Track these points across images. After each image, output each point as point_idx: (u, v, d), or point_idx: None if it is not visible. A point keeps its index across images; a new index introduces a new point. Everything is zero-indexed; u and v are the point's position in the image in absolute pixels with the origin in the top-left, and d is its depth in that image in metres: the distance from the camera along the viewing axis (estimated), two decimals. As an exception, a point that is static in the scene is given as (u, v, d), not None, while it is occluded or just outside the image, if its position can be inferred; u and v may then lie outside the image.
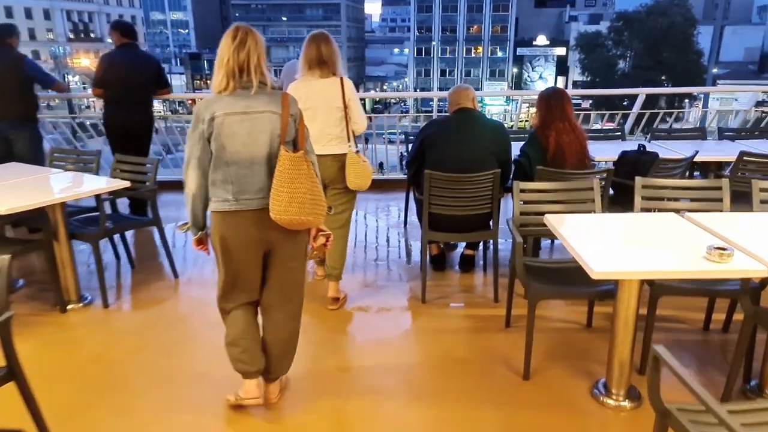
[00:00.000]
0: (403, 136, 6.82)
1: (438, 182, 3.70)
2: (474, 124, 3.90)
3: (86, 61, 77.21)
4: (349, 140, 3.58)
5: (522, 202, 3.40)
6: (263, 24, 68.84)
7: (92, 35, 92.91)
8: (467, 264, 4.45)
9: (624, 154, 4.40)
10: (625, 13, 37.50)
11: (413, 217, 5.18)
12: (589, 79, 40.40)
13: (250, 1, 69.32)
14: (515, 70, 62.22)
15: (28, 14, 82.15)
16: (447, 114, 3.93)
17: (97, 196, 3.82)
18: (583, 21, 60.00)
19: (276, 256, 2.49)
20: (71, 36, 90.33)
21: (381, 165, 37.36)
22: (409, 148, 4.65)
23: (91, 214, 4.28)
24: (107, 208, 4.31)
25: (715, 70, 40.00)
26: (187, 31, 76.41)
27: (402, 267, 4.69)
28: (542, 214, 3.06)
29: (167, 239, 4.51)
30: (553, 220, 2.89)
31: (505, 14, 62.17)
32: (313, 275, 4.40)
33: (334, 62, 3.57)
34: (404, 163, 4.89)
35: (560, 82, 62.73)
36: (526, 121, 59.71)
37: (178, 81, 71.92)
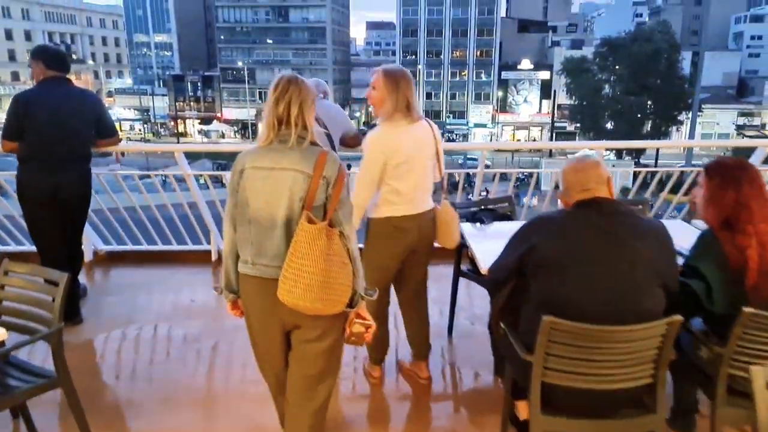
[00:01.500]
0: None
1: (566, 336, 2.04)
2: (627, 234, 2.13)
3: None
4: (435, 191, 3.14)
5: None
6: (248, 46, 68.70)
7: (74, 57, 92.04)
8: None
9: None
10: (610, 39, 37.94)
11: (463, 319, 3.94)
12: (576, 102, 40.65)
13: (235, 24, 69.17)
14: (500, 93, 62.59)
15: (8, 35, 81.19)
16: (567, 210, 2.26)
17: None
18: (565, 46, 60.90)
19: (297, 336, 2.18)
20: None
21: None
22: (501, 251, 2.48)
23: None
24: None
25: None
26: (171, 53, 75.88)
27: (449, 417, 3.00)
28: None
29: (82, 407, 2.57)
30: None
31: (489, 38, 62.78)
32: (364, 374, 3.34)
33: (417, 102, 3.03)
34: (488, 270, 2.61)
35: (545, 106, 63.30)
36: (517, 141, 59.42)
37: (160, 102, 71.14)
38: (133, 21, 75.71)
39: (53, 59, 3.73)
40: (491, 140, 64.46)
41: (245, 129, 69.19)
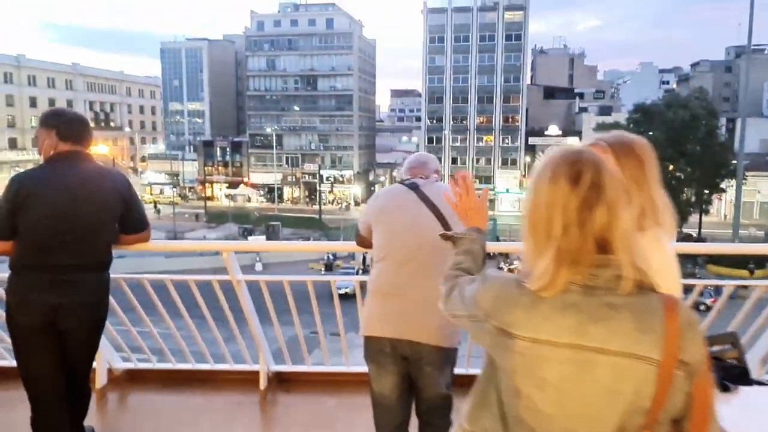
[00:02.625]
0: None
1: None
2: None
3: (104, 147, 78.81)
4: None
5: None
6: (277, 114, 70.52)
7: (112, 124, 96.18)
8: None
9: None
10: (643, 105, 37.36)
11: None
12: (609, 169, 39.67)
13: (265, 93, 71.50)
14: (528, 159, 62.15)
15: (52, 104, 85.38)
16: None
17: None
18: (594, 112, 60.85)
19: None
20: (92, 125, 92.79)
21: None
22: None
23: None
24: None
25: (735, 162, 39.19)
26: (202, 120, 78.46)
27: None
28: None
29: None
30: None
31: (515, 105, 63.25)
32: None
33: None
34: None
35: (574, 171, 62.50)
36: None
37: (190, 167, 72.70)
38: (170, 90, 79.04)
39: (70, 127, 2.73)
40: (519, 206, 63.53)
41: (271, 193, 69.75)
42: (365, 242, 2.60)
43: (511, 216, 59.74)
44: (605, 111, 59.52)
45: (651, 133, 37.79)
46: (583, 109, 64.36)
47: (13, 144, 78.51)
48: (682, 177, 35.14)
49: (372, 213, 2.50)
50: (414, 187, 2.41)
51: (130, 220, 2.86)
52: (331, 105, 70.28)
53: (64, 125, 2.70)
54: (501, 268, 35.99)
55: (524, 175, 62.44)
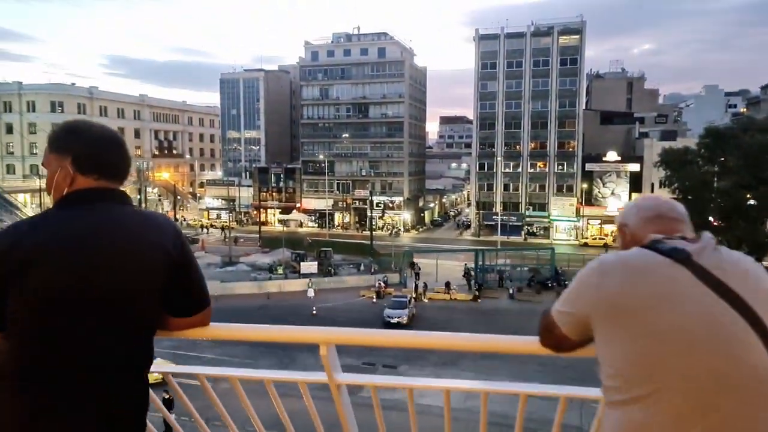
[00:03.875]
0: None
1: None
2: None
3: (166, 174, 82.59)
4: None
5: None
6: (329, 141, 71.80)
7: (174, 152, 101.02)
8: None
9: None
10: (716, 129, 35.19)
11: None
12: (679, 197, 37.44)
13: (318, 120, 73.15)
14: (584, 185, 60.05)
15: (121, 133, 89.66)
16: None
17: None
18: (656, 137, 58.27)
19: None
20: (156, 152, 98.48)
21: (448, 284, 33.64)
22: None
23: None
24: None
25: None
26: (258, 147, 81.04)
27: None
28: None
29: None
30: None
31: (571, 130, 61.60)
32: None
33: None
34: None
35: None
36: (600, 237, 55.65)
37: (245, 192, 74.89)
38: (228, 119, 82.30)
39: (96, 151, 1.73)
40: (575, 234, 61.22)
41: (322, 218, 70.61)
42: (564, 345, 1.63)
43: (567, 245, 57.66)
44: (669, 136, 56.86)
45: (723, 159, 35.54)
46: (644, 134, 61.82)
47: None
48: (760, 206, 32.66)
49: (603, 302, 1.42)
50: (685, 259, 1.37)
51: (184, 295, 1.81)
52: (382, 132, 70.90)
53: (87, 148, 1.71)
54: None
55: (581, 202, 60.25)
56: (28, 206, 68.48)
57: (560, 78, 61.37)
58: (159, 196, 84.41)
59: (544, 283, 38.22)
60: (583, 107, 63.51)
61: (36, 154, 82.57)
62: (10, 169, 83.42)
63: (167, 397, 21.25)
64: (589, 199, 60.30)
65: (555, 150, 62.14)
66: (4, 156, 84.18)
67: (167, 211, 78.74)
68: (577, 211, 60.75)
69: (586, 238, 59.85)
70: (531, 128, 62.85)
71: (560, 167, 62.24)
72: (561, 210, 61.48)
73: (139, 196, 55.62)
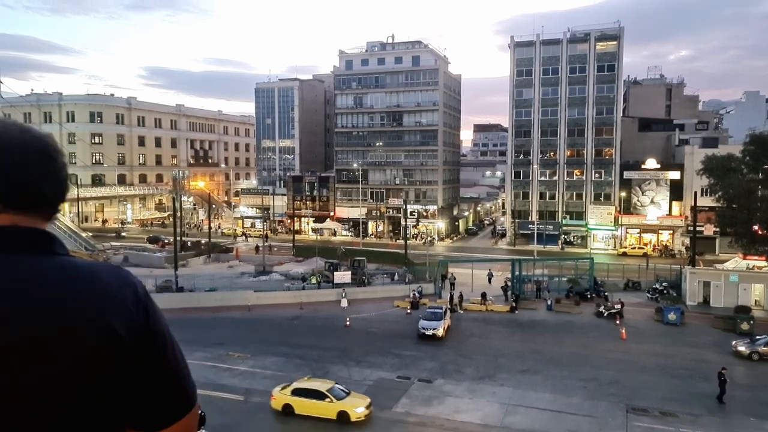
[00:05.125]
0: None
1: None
2: None
3: (201, 183, 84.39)
4: None
5: None
6: (363, 149, 72.05)
7: (210, 161, 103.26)
8: None
9: None
10: (761, 136, 33.78)
11: None
12: (723, 205, 35.99)
13: (352, 129, 73.58)
14: (623, 193, 58.39)
15: (158, 143, 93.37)
16: None
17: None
18: (696, 144, 56.29)
19: None
20: (192, 161, 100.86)
21: (484, 295, 33.00)
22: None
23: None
24: None
25: None
26: (292, 156, 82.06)
27: None
28: None
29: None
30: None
31: (608, 138, 60.11)
32: None
33: None
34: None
35: (676, 207, 57.73)
36: (639, 247, 53.97)
37: (279, 201, 75.75)
38: (263, 128, 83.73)
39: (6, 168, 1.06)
40: (613, 243, 59.53)
41: (356, 227, 70.74)
42: None
43: (605, 254, 56.03)
44: (710, 143, 54.83)
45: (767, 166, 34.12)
46: (685, 141, 59.82)
47: (122, 180, 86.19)
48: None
49: None
50: None
51: (150, 397, 1.13)
52: (416, 140, 70.75)
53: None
54: (601, 312, 33.41)
55: (619, 211, 58.58)
56: (67, 215, 70.99)
57: (597, 85, 60.08)
58: (194, 205, 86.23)
59: (582, 294, 37.20)
60: (621, 114, 61.88)
61: (75, 164, 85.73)
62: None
63: (199, 413, 21.94)
64: (627, 207, 58.58)
65: (592, 158, 60.72)
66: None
67: (202, 220, 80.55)
68: (615, 219, 59.10)
69: (625, 247, 58.10)
70: (567, 136, 61.63)
71: (597, 175, 60.76)
72: (599, 219, 59.92)
73: (174, 205, 56.78)
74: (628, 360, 26.30)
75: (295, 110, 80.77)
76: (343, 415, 19.33)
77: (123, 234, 69.22)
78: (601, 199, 60.53)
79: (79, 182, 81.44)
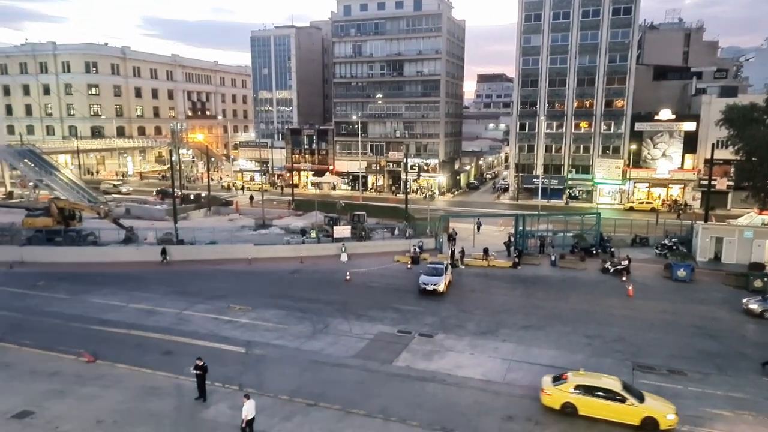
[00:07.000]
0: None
1: None
2: None
3: (200, 135, 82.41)
4: None
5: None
6: (362, 101, 69.61)
7: (207, 113, 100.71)
8: None
9: None
10: (786, 84, 31.74)
11: None
12: (743, 158, 34.30)
13: (351, 79, 70.81)
14: (633, 146, 56.44)
15: (155, 94, 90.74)
16: None
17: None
18: (714, 93, 53.87)
19: None
20: (189, 113, 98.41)
21: (486, 251, 31.73)
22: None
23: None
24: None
25: None
26: (290, 108, 79.61)
27: None
28: None
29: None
30: None
31: (620, 87, 57.52)
32: None
33: None
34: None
35: (689, 161, 55.93)
36: (647, 201, 52.60)
37: (278, 154, 74.02)
38: (259, 79, 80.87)
39: None
40: (620, 198, 58.14)
41: (355, 181, 69.28)
42: None
43: (611, 209, 54.71)
44: (729, 92, 52.39)
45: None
46: (701, 90, 57.28)
47: (121, 132, 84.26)
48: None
49: None
50: None
51: None
52: (418, 91, 68.21)
53: None
54: (607, 269, 32.40)
55: (628, 165, 56.82)
56: (68, 167, 69.68)
57: (612, 30, 57.00)
58: (193, 157, 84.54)
59: (588, 249, 36.14)
60: (635, 62, 58.96)
61: (73, 115, 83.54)
62: (49, 131, 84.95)
63: (201, 364, 20.28)
64: (636, 161, 56.78)
65: (602, 109, 58.38)
66: (43, 117, 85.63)
67: (201, 173, 79.07)
68: (624, 173, 57.44)
69: (632, 202, 56.70)
70: (577, 85, 59.06)
71: (606, 127, 58.61)
72: (606, 173, 58.25)
73: (172, 158, 55.27)
74: (634, 317, 25.49)
75: (292, 60, 77.71)
76: (649, 423, 15.98)
77: (123, 190, 67.69)
78: (610, 152, 58.66)
79: (78, 134, 79.71)
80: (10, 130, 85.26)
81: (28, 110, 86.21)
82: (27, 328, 23.83)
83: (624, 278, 30.99)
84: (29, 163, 56.23)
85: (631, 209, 54.90)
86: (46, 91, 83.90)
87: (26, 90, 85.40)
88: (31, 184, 57.99)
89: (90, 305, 27.12)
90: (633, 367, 20.24)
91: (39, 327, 24.13)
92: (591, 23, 57.39)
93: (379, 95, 68.27)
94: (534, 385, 18.70)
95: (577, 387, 17.02)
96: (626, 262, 32.19)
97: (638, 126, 56.60)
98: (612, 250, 35.89)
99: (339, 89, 71.81)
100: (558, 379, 17.63)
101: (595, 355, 21.55)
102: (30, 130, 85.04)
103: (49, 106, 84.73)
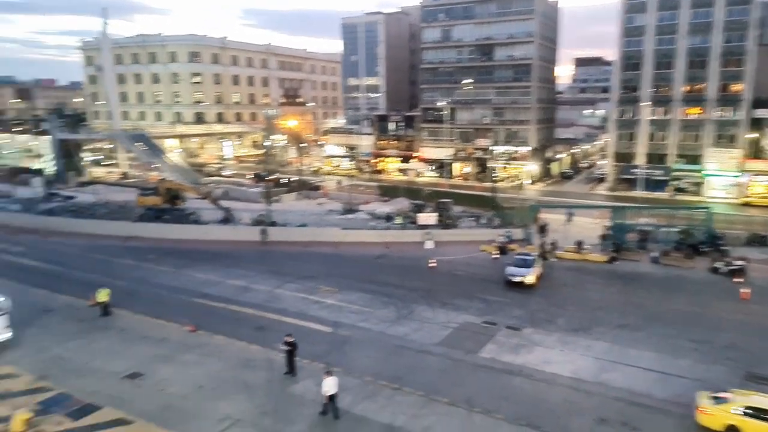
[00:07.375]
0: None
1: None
2: None
3: (293, 122, 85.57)
4: None
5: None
6: (450, 86, 68.43)
7: (299, 100, 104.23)
8: None
9: None
10: None
11: None
12: None
13: (438, 65, 69.81)
14: (754, 135, 50.86)
15: (250, 82, 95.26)
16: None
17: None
18: None
19: None
20: (282, 100, 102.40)
21: (579, 243, 29.99)
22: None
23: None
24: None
25: None
26: (378, 94, 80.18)
27: None
28: None
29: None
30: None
31: (738, 70, 51.90)
32: None
33: None
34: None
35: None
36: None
37: (365, 141, 74.99)
38: (348, 66, 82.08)
39: None
40: (735, 192, 52.76)
41: (441, 168, 68.55)
42: None
43: (723, 203, 49.86)
44: None
45: None
46: (840, 72, 50.28)
47: (220, 118, 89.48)
48: None
49: None
50: None
51: None
52: (508, 76, 65.89)
53: None
54: (717, 268, 29.57)
55: (746, 156, 51.30)
56: (175, 150, 75.22)
57: (728, 7, 51.45)
58: (286, 143, 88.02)
59: (695, 247, 33.11)
60: (756, 42, 52.83)
61: (179, 102, 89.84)
62: (158, 117, 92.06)
63: (290, 340, 21.07)
64: (755, 151, 51.14)
65: (716, 93, 53.06)
66: (153, 104, 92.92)
67: (293, 158, 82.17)
68: (740, 165, 52.00)
69: (749, 196, 51.25)
70: (687, 68, 54.06)
71: (721, 114, 53.23)
72: (719, 163, 52.98)
73: (267, 143, 57.78)
74: (749, 322, 23.12)
75: (380, 46, 78.04)
76: None
77: (225, 173, 71.50)
78: (724, 141, 53.30)
79: (182, 120, 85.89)
80: (125, 116, 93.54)
81: (140, 98, 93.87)
82: (138, 297, 26.14)
83: (740, 279, 28.08)
84: (141, 146, 61.28)
85: (748, 204, 49.75)
86: (155, 79, 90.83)
87: (138, 79, 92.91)
88: (151, 166, 63.31)
89: (191, 279, 29.24)
90: (745, 377, 18.39)
91: (148, 296, 26.39)
92: (704, 0, 52.15)
93: (467, 81, 66.80)
94: (631, 388, 17.58)
95: (749, 409, 15.18)
96: (742, 262, 29.16)
97: (759, 113, 50.87)
98: (725, 249, 32.67)
99: (426, 75, 71.12)
100: (716, 398, 15.82)
101: (703, 361, 19.80)
102: (142, 116, 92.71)
103: (159, 94, 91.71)
